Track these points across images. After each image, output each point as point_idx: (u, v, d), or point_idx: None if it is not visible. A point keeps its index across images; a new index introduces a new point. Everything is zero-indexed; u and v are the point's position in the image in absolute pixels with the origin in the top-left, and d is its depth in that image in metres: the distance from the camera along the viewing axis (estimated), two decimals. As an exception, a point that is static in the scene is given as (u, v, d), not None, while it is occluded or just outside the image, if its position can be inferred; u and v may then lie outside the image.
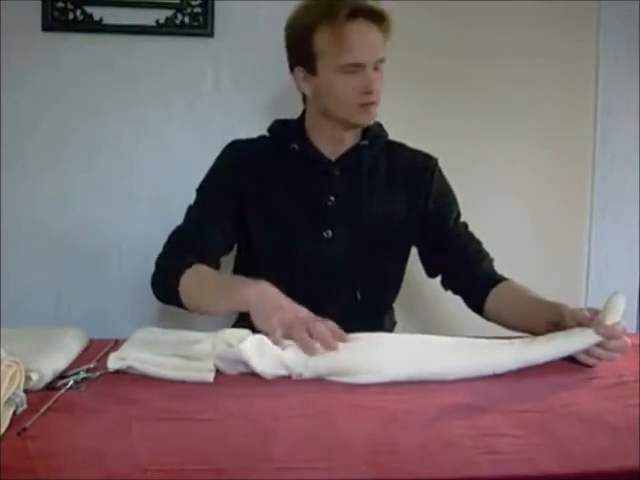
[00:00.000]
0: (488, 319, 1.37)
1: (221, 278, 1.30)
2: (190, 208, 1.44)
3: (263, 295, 1.12)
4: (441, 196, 1.47)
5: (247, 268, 1.39)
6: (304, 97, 1.43)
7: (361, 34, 1.30)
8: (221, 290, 1.21)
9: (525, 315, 1.24)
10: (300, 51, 1.36)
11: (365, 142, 1.41)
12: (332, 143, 1.41)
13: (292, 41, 1.38)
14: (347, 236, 1.39)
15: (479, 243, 1.45)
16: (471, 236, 1.45)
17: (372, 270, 1.42)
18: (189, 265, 1.27)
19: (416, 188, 1.44)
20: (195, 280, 1.26)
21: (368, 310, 1.44)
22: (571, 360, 1.07)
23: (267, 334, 1.04)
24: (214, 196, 1.43)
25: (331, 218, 1.39)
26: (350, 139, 1.42)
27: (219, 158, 1.48)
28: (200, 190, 1.45)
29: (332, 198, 1.39)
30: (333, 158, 1.41)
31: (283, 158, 1.40)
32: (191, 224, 1.41)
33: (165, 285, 1.31)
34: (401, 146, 1.48)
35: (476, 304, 1.39)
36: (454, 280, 1.44)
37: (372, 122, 1.39)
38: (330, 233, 1.39)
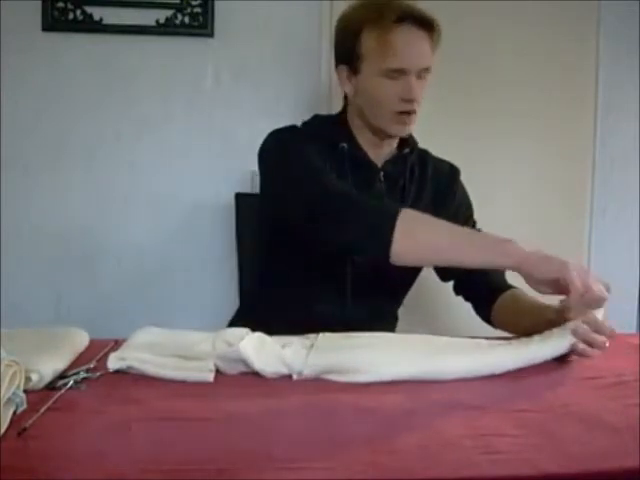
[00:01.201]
0: (495, 327, 1.37)
1: (463, 230, 1.18)
2: (295, 180, 1.26)
3: (536, 254, 1.07)
4: (461, 204, 1.48)
5: (293, 257, 1.35)
6: (345, 95, 1.42)
7: (407, 39, 1.28)
8: (478, 245, 1.12)
9: (526, 321, 1.23)
10: (346, 50, 1.34)
11: (407, 150, 1.41)
12: (373, 146, 1.40)
13: (339, 39, 1.37)
14: None
15: None
16: None
17: (407, 276, 1.42)
18: (397, 209, 1.14)
19: (443, 197, 1.45)
20: (429, 229, 1.15)
21: (388, 312, 1.47)
22: (571, 359, 1.07)
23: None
24: (315, 156, 1.30)
25: None
26: (389, 143, 1.40)
27: (285, 137, 1.36)
28: (295, 161, 1.29)
29: None
30: (378, 163, 1.40)
31: (332, 156, 1.35)
32: (329, 176, 1.25)
33: (377, 234, 1.13)
34: (427, 153, 1.48)
35: (484, 312, 1.39)
36: (465, 286, 1.45)
37: (408, 134, 1.38)
38: None
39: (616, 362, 1.08)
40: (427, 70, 1.32)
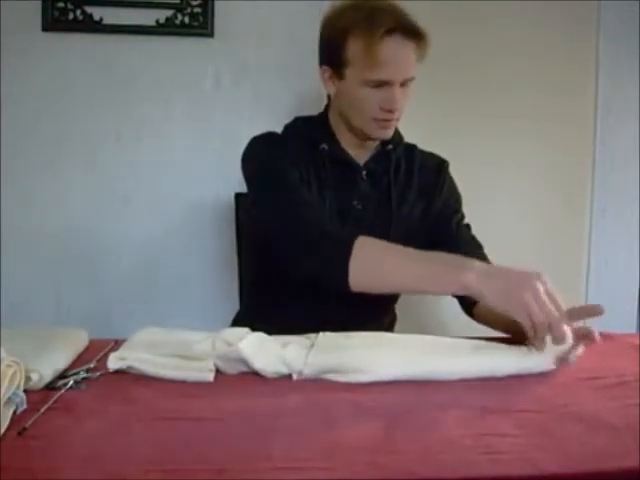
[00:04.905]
0: (479, 322, 1.36)
1: (420, 256, 1.15)
2: (266, 191, 1.32)
3: (488, 277, 1.04)
4: (449, 197, 1.48)
5: (273, 264, 1.35)
6: (328, 95, 1.42)
7: (394, 52, 1.26)
8: (432, 272, 1.11)
9: (505, 317, 1.23)
10: (331, 52, 1.33)
11: (390, 147, 1.41)
12: (354, 145, 1.40)
13: (325, 40, 1.35)
14: None
15: (480, 247, 1.45)
16: (473, 239, 1.46)
17: None
18: (353, 238, 1.16)
19: (430, 192, 1.45)
20: (384, 256, 1.15)
21: (385, 311, 1.46)
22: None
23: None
24: (291, 170, 1.32)
25: (356, 222, 1.38)
26: (371, 142, 1.40)
27: (263, 145, 1.37)
28: (268, 172, 1.33)
29: (359, 202, 1.39)
30: (361, 161, 1.40)
31: (313, 157, 1.37)
32: (296, 198, 1.28)
33: (334, 264, 1.15)
34: (415, 148, 1.48)
35: (468, 307, 1.39)
36: None
37: (389, 137, 1.37)
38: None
39: (616, 362, 1.08)
40: (411, 79, 1.31)
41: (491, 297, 1.03)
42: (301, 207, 1.27)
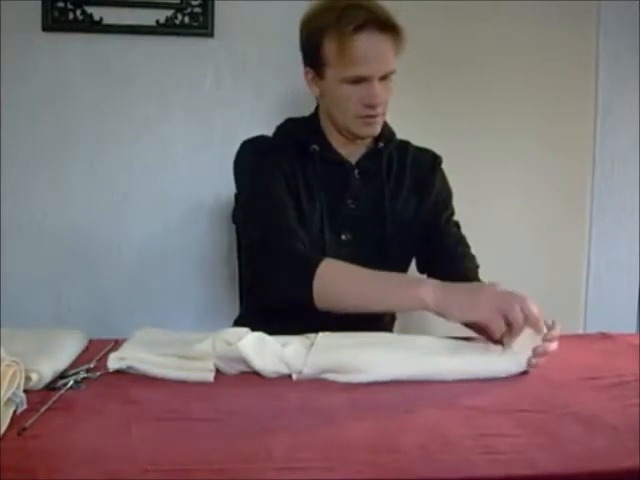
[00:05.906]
0: None
1: (379, 275, 1.18)
2: (249, 204, 1.35)
3: (446, 291, 1.09)
4: (440, 194, 1.47)
5: None
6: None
7: (368, 46, 1.26)
8: (389, 290, 1.16)
9: None
10: (310, 53, 1.34)
11: (382, 144, 1.41)
12: (345, 144, 1.40)
13: (304, 42, 1.36)
14: (365, 239, 1.39)
15: (467, 246, 1.46)
16: (461, 237, 1.46)
17: (389, 271, 1.42)
18: (318, 260, 1.19)
19: (423, 187, 1.45)
20: (346, 276, 1.19)
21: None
22: (571, 360, 1.07)
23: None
24: (275, 182, 1.34)
25: (350, 221, 1.38)
26: (361, 140, 1.40)
27: (251, 152, 1.39)
28: (253, 184, 1.36)
29: (352, 202, 1.39)
30: (352, 160, 1.40)
31: (303, 158, 1.37)
32: (275, 213, 1.30)
33: (298, 283, 1.18)
34: (408, 144, 1.48)
35: None
36: (435, 277, 1.45)
37: (376, 134, 1.37)
38: (349, 236, 1.38)
39: (616, 362, 1.08)
40: (390, 73, 1.31)
41: (454, 310, 1.07)
42: (275, 228, 1.28)
